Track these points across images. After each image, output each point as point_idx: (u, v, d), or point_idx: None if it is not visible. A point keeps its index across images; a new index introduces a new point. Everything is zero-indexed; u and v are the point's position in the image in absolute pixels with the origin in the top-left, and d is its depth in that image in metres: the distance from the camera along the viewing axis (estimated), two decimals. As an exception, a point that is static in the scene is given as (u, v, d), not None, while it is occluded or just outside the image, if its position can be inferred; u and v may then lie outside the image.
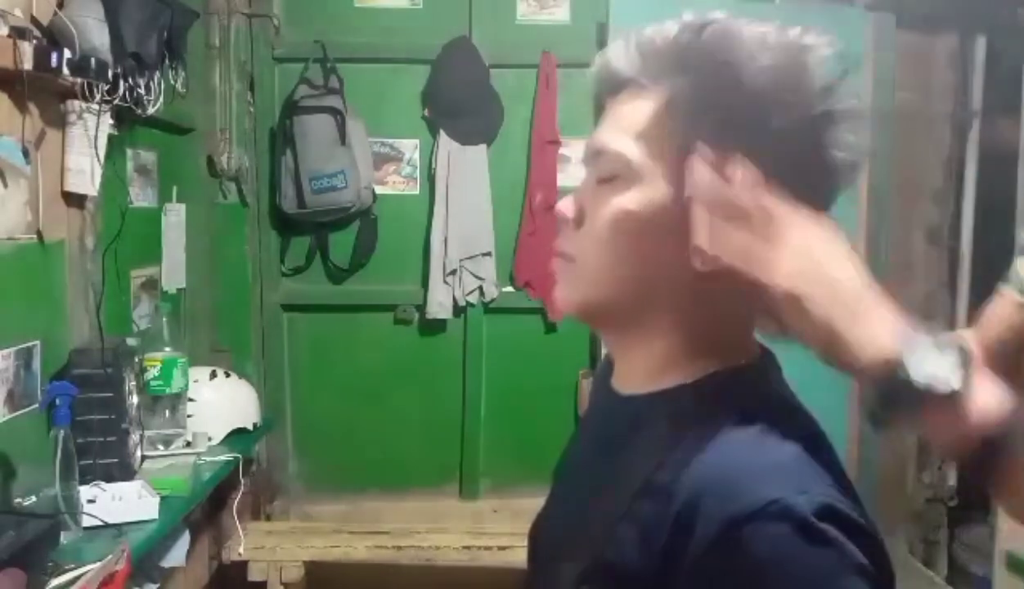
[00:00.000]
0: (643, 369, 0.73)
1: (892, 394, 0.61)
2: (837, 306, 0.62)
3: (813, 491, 0.59)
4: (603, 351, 3.00)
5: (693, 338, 0.71)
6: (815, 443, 0.65)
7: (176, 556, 2.21)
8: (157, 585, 2.16)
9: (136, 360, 2.15)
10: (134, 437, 2.05)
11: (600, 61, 0.73)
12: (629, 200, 0.69)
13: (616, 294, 0.71)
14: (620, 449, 0.71)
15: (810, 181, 0.67)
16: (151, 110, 2.19)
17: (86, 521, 1.72)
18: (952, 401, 0.60)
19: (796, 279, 0.63)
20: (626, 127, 0.70)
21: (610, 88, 0.73)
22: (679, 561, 0.60)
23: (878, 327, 0.62)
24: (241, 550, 2.67)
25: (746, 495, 0.59)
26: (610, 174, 0.70)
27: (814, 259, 0.63)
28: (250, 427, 2.56)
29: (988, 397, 0.61)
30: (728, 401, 0.67)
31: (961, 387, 0.60)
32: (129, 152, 2.37)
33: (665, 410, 0.69)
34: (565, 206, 0.73)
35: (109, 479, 1.91)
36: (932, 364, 0.60)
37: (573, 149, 2.97)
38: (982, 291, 1.18)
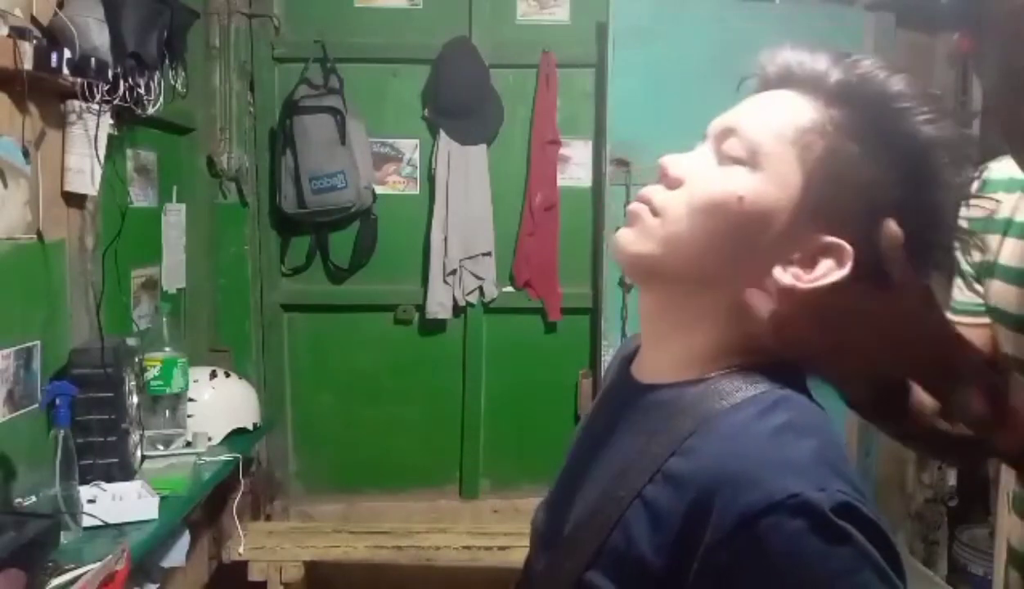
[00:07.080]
0: (674, 359, 0.72)
1: None
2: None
3: (831, 488, 0.59)
4: (603, 351, 2.98)
5: (740, 335, 0.70)
6: (832, 444, 0.65)
7: (176, 556, 2.21)
8: (157, 585, 2.16)
9: (136, 360, 2.14)
10: (134, 437, 2.05)
11: (789, 49, 0.72)
12: (745, 187, 0.68)
13: (686, 266, 0.70)
14: (635, 436, 0.71)
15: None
16: (151, 110, 2.18)
17: (86, 521, 1.71)
18: None
19: None
20: (775, 123, 0.69)
21: (781, 81, 0.72)
22: (691, 550, 0.60)
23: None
24: (241, 550, 2.67)
25: (764, 488, 0.59)
26: (736, 157, 0.69)
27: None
28: (250, 427, 2.55)
29: None
30: (751, 395, 0.67)
31: None
32: (129, 152, 2.37)
33: (686, 400, 0.69)
34: (673, 162, 0.72)
35: (109, 479, 1.91)
36: None
37: (573, 149, 2.96)
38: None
